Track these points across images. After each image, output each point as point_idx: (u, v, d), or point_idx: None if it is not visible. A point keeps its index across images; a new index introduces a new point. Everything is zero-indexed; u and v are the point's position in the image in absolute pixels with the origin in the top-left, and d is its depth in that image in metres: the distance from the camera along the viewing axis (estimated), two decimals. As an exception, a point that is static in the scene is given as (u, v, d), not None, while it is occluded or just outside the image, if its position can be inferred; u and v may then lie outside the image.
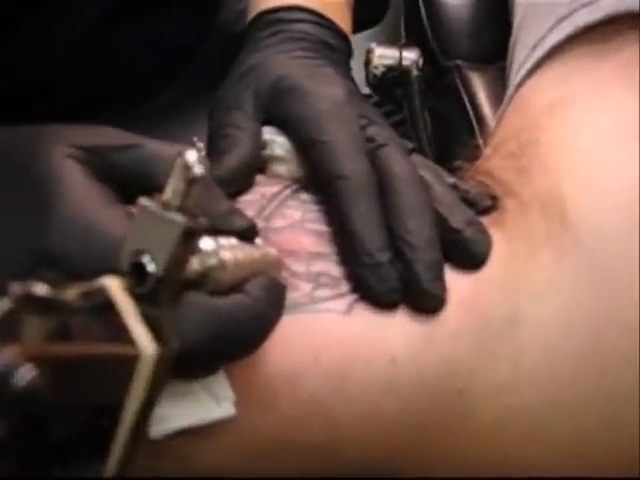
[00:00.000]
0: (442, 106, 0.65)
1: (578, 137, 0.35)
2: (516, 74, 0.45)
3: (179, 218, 0.23)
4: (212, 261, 0.26)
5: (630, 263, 0.31)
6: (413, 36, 0.72)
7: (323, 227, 0.34)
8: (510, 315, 0.32)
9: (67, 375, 0.19)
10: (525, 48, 0.45)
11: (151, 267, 0.23)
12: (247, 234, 0.30)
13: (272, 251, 0.31)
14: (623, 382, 0.31)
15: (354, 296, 0.32)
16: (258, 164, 0.37)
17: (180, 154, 0.23)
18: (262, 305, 0.28)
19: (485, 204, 0.36)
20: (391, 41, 0.73)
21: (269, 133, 0.38)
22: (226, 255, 0.27)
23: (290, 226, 0.34)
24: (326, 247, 0.34)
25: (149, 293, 0.23)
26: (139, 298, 0.23)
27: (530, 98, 0.41)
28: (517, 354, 0.31)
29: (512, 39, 0.49)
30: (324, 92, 0.38)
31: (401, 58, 0.68)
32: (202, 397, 0.28)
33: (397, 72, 0.69)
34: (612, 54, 0.37)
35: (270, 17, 0.45)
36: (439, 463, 0.33)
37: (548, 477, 0.34)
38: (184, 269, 0.24)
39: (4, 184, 0.29)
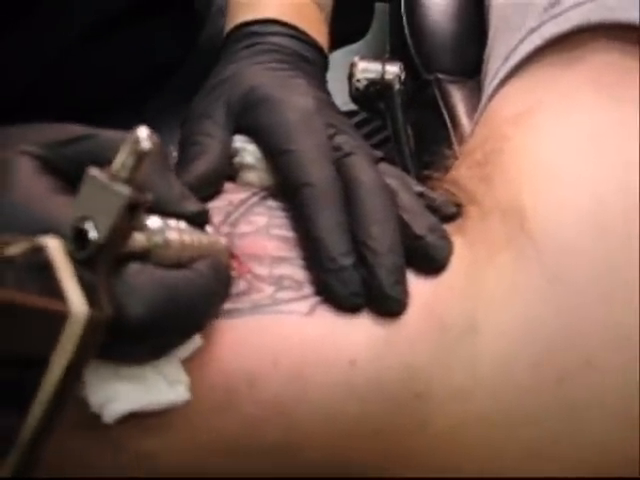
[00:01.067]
0: (423, 119, 0.66)
1: (539, 146, 0.36)
2: (489, 85, 0.46)
3: (125, 190, 0.24)
4: (157, 238, 0.27)
5: (588, 273, 0.32)
6: (397, 50, 0.73)
7: (288, 233, 0.35)
8: (468, 322, 0.32)
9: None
10: (497, 59, 0.46)
11: (93, 234, 0.24)
12: (197, 219, 0.31)
13: (221, 240, 0.32)
14: (580, 390, 0.32)
15: (316, 299, 0.33)
16: (226, 171, 0.38)
17: (132, 130, 0.24)
18: (208, 280, 0.29)
19: (449, 212, 0.36)
20: (376, 55, 0.75)
21: (240, 141, 0.39)
22: (172, 235, 0.28)
23: (255, 231, 0.35)
24: (290, 252, 0.34)
25: (88, 259, 0.24)
26: (79, 263, 0.23)
27: (498, 108, 0.42)
28: (474, 360, 0.32)
29: (486, 51, 0.50)
30: (294, 102, 0.38)
31: (384, 72, 0.69)
32: (155, 380, 0.28)
33: (380, 86, 0.70)
34: (578, 63, 0.38)
35: (246, 30, 0.46)
36: (398, 466, 0.33)
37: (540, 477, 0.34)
38: (126, 240, 0.25)
39: None
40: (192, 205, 0.31)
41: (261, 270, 0.33)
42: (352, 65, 0.70)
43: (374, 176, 0.35)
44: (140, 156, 0.24)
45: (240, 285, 0.33)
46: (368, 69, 0.70)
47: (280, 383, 0.31)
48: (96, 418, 0.30)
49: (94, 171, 0.24)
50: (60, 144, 0.29)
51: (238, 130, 0.39)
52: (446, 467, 0.33)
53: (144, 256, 0.27)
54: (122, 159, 0.24)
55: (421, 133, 0.67)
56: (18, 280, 0.22)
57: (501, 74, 0.44)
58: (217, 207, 0.35)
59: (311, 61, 0.46)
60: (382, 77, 0.70)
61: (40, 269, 0.23)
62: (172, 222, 0.28)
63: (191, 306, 0.28)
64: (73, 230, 0.24)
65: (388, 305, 0.32)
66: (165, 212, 0.28)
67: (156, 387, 0.28)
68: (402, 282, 0.32)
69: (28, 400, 0.23)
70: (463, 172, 0.39)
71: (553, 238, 0.32)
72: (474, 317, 0.32)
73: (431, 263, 0.33)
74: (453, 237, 0.34)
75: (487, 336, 0.32)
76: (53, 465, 0.32)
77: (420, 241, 0.34)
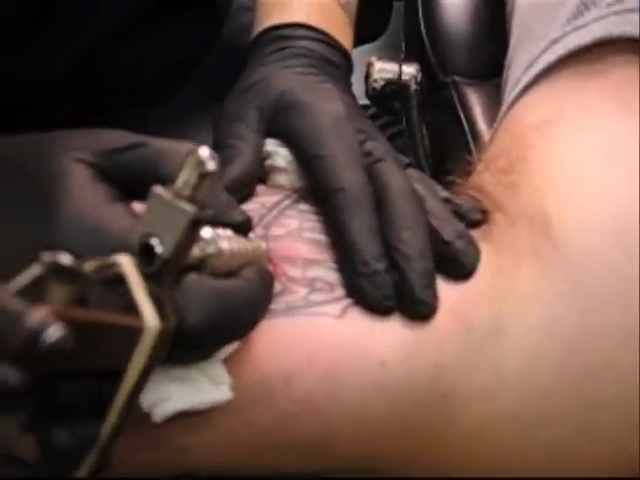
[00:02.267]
0: (439, 120, 0.68)
1: (564, 155, 0.37)
2: (510, 93, 0.47)
3: (189, 207, 0.25)
4: (210, 249, 0.28)
5: (611, 277, 0.33)
6: (413, 51, 0.74)
7: (320, 236, 0.36)
8: (494, 324, 0.34)
9: (83, 338, 0.21)
10: (519, 68, 0.47)
11: (159, 249, 0.25)
12: (242, 227, 0.33)
13: (263, 244, 0.33)
14: (602, 389, 0.33)
15: (348, 301, 0.34)
16: (259, 174, 0.39)
17: (193, 150, 0.25)
18: (257, 287, 0.30)
19: (475, 218, 0.38)
20: (392, 55, 0.76)
21: (272, 145, 0.40)
22: (223, 244, 0.29)
23: (288, 234, 0.36)
24: (322, 254, 0.36)
25: (155, 273, 0.25)
26: (146, 276, 0.25)
27: (521, 116, 0.43)
28: (500, 361, 0.33)
29: (508, 58, 0.51)
30: (324, 107, 0.39)
31: (400, 72, 0.71)
32: (200, 381, 0.30)
33: (396, 86, 0.71)
34: (601, 75, 0.40)
35: (274, 34, 0.47)
36: (424, 464, 0.35)
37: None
38: (187, 255, 0.27)
39: (14, 189, 0.31)
40: (238, 214, 0.32)
41: (294, 272, 0.35)
42: (369, 65, 0.71)
43: (404, 182, 0.37)
44: (202, 176, 0.25)
45: (275, 287, 0.34)
46: (385, 69, 0.71)
47: (314, 382, 0.33)
48: (139, 416, 0.31)
49: (159, 189, 0.25)
50: (113, 152, 0.30)
51: (270, 133, 0.40)
52: (471, 465, 0.35)
53: (199, 266, 0.28)
54: (185, 177, 0.25)
55: (436, 134, 0.68)
56: (98, 297, 0.23)
57: (522, 83, 0.45)
58: (250, 209, 0.37)
59: (338, 65, 0.47)
60: (399, 77, 0.71)
61: (113, 284, 0.24)
62: (221, 231, 0.30)
63: (242, 313, 0.29)
64: (140, 246, 0.25)
65: (419, 308, 0.33)
66: (214, 221, 0.29)
67: (202, 388, 0.30)
68: (432, 286, 0.34)
69: (105, 407, 0.24)
70: (487, 179, 0.40)
71: (576, 243, 0.34)
72: (499, 319, 0.34)
73: (460, 269, 0.35)
74: (480, 243, 0.36)
75: (512, 338, 0.33)
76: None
77: (449, 247, 0.35)
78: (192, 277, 0.28)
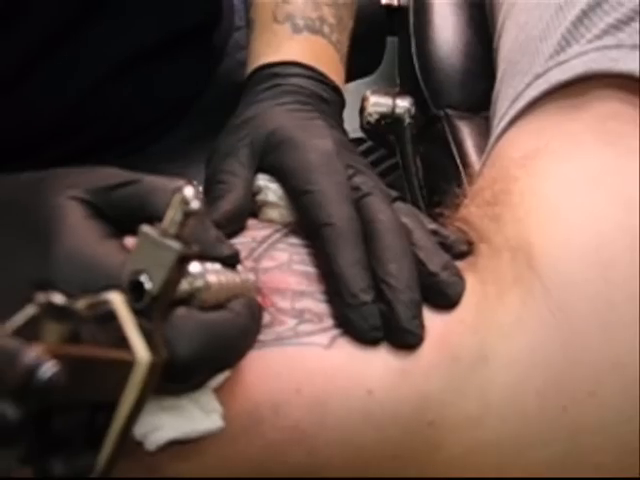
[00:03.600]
0: (433, 153, 0.69)
1: (546, 188, 0.38)
2: (496, 127, 0.49)
3: (175, 245, 0.26)
4: (199, 283, 0.29)
5: (593, 307, 0.34)
6: (406, 84, 0.76)
7: (309, 268, 0.37)
8: (479, 353, 0.35)
9: (77, 374, 0.22)
10: (505, 102, 0.49)
11: (148, 285, 0.26)
12: (230, 261, 0.34)
13: (251, 277, 0.34)
14: (585, 417, 0.34)
15: (336, 331, 0.35)
16: (250, 209, 0.40)
17: (179, 188, 0.26)
18: (245, 319, 0.31)
19: (461, 249, 0.39)
20: (386, 87, 0.77)
21: (263, 180, 0.41)
22: (211, 278, 0.30)
23: (278, 267, 0.37)
24: (311, 286, 0.37)
25: (145, 308, 0.26)
26: (136, 312, 0.26)
27: (506, 150, 0.44)
28: (485, 390, 0.34)
29: (494, 92, 0.52)
30: (314, 144, 0.41)
31: (394, 106, 0.72)
32: (192, 410, 0.31)
33: (390, 119, 0.73)
34: (582, 110, 0.41)
35: (267, 72, 0.48)
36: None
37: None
38: (175, 291, 0.28)
39: (10, 225, 0.32)
40: (226, 249, 0.34)
41: (283, 304, 0.36)
42: (364, 99, 0.73)
43: (391, 216, 0.38)
44: (188, 214, 0.26)
45: (264, 318, 0.35)
46: (379, 103, 0.73)
47: (302, 411, 0.33)
48: (131, 446, 0.32)
49: (146, 228, 0.27)
50: (106, 189, 0.32)
51: (261, 169, 0.42)
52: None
53: (188, 300, 0.29)
54: (171, 216, 0.27)
55: (430, 166, 0.70)
56: (91, 334, 0.24)
57: (508, 117, 0.46)
58: (241, 243, 0.38)
59: (329, 101, 0.48)
60: (393, 111, 0.73)
61: (105, 320, 0.25)
62: (209, 265, 0.31)
63: (231, 344, 0.31)
64: (130, 283, 0.26)
65: (406, 338, 0.34)
66: (202, 256, 0.31)
67: (194, 417, 0.31)
68: (419, 317, 0.35)
69: (100, 438, 0.25)
70: (473, 211, 0.41)
71: (558, 274, 0.35)
72: (484, 349, 0.35)
73: (445, 299, 0.36)
74: (465, 274, 0.37)
75: (496, 366, 0.34)
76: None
77: (434, 278, 0.36)
78: (181, 311, 0.29)
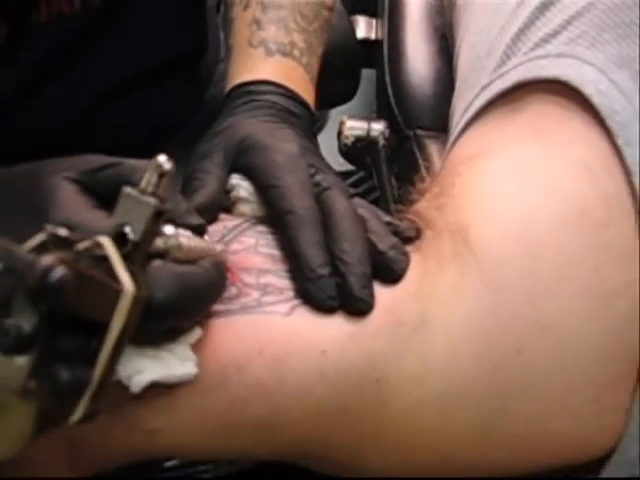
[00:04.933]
0: (405, 171, 0.74)
1: (482, 180, 0.43)
2: (452, 135, 0.54)
3: (152, 200, 0.32)
4: (172, 241, 0.35)
5: (520, 278, 0.39)
6: (382, 111, 0.82)
7: (273, 251, 0.43)
8: (420, 319, 0.39)
9: (79, 287, 0.27)
10: (458, 114, 0.54)
11: (131, 235, 0.32)
12: (198, 229, 0.39)
13: (218, 246, 0.39)
14: (514, 374, 0.39)
15: (296, 301, 0.40)
16: (222, 202, 0.46)
17: (153, 157, 0.32)
18: (212, 274, 0.37)
19: (410, 235, 0.44)
20: (365, 115, 0.84)
21: (236, 179, 0.47)
22: (183, 240, 0.35)
23: (245, 249, 0.42)
24: (275, 265, 0.42)
25: (128, 254, 0.31)
26: (122, 257, 0.31)
27: (455, 153, 0.50)
28: (426, 351, 0.39)
29: (451, 107, 0.58)
30: (280, 146, 0.46)
31: (369, 129, 0.78)
32: (169, 358, 0.36)
33: (366, 142, 0.78)
34: (518, 113, 0.46)
35: (244, 89, 0.54)
36: (364, 444, 0.40)
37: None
38: (153, 241, 0.33)
39: (10, 205, 0.38)
40: (195, 219, 0.39)
41: (249, 279, 0.41)
42: (341, 123, 0.79)
43: (347, 206, 0.43)
44: (162, 175, 0.32)
45: (232, 291, 0.40)
46: (355, 127, 0.79)
47: (264, 369, 0.38)
48: (114, 403, 0.37)
49: (127, 188, 0.32)
50: (94, 171, 0.37)
51: (234, 169, 0.47)
52: (405, 445, 0.40)
53: (162, 255, 0.34)
54: (148, 178, 0.32)
55: (403, 183, 0.75)
56: (89, 266, 0.29)
57: (460, 126, 0.52)
58: (214, 230, 0.43)
59: (298, 115, 0.54)
60: (368, 134, 0.78)
61: (98, 261, 0.30)
62: (181, 230, 0.36)
63: (200, 293, 0.36)
64: (116, 233, 0.31)
65: (357, 306, 0.39)
66: (175, 224, 0.36)
67: (172, 364, 0.36)
68: (369, 287, 0.40)
69: (94, 357, 0.30)
70: (423, 204, 0.46)
71: (490, 250, 0.40)
72: (425, 315, 0.39)
73: (392, 273, 0.41)
74: (411, 254, 0.42)
75: (435, 331, 0.39)
76: (75, 445, 0.39)
77: (383, 256, 0.41)
78: (157, 262, 0.34)
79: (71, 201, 0.35)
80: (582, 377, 0.39)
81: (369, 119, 0.78)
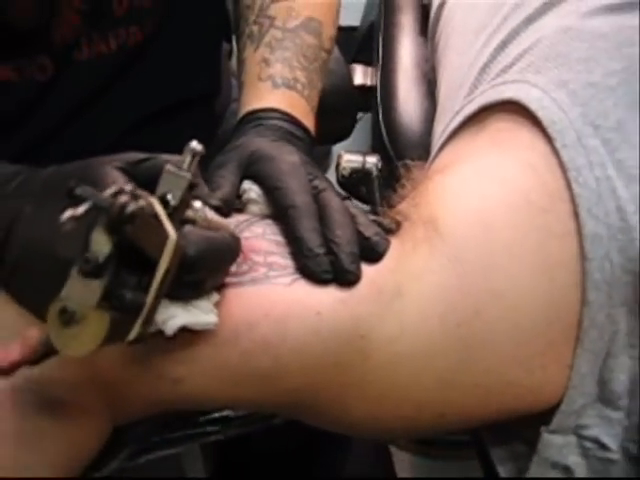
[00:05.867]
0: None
1: (449, 181, 0.53)
2: (432, 155, 0.64)
3: (187, 174, 0.42)
4: (200, 213, 0.44)
5: (478, 254, 0.49)
6: (377, 147, 0.92)
7: (278, 238, 0.52)
8: (397, 289, 0.49)
9: (143, 222, 0.37)
10: (437, 136, 0.65)
11: (172, 201, 0.41)
12: (217, 209, 0.49)
13: (232, 224, 0.49)
14: (473, 332, 0.48)
15: (296, 276, 0.49)
16: (234, 203, 0.55)
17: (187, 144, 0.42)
18: (229, 240, 0.46)
19: (391, 227, 0.53)
20: (363, 150, 0.94)
21: (247, 184, 0.57)
22: (208, 213, 0.45)
23: (254, 236, 0.52)
24: (279, 249, 0.51)
25: (169, 215, 0.41)
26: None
27: (432, 166, 0.60)
28: (401, 314, 0.48)
29: (433, 132, 0.69)
30: (284, 158, 0.56)
31: (364, 162, 0.88)
32: (196, 310, 0.45)
33: (361, 173, 0.88)
34: (483, 130, 0.57)
35: (254, 115, 0.64)
36: (349, 394, 0.49)
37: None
38: (187, 207, 0.42)
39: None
40: (215, 200, 0.49)
41: (258, 259, 0.50)
42: (339, 157, 0.89)
43: (339, 202, 0.53)
44: (194, 155, 0.42)
45: (243, 268, 0.49)
46: (351, 160, 0.89)
47: (269, 328, 0.47)
48: (145, 356, 0.46)
49: (168, 165, 0.42)
50: (137, 162, 0.47)
51: (246, 177, 0.57)
52: (384, 394, 0.48)
53: (192, 223, 0.44)
54: (184, 158, 0.42)
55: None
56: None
57: (438, 146, 0.62)
58: (228, 222, 0.53)
59: (300, 138, 0.64)
60: (363, 166, 0.89)
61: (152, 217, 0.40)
62: (207, 209, 0.46)
63: (221, 252, 0.45)
64: (159, 198, 0.41)
65: (347, 277, 0.49)
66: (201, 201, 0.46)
67: (197, 313, 0.45)
68: (357, 263, 0.49)
69: (148, 286, 0.39)
70: (404, 205, 0.56)
71: (454, 233, 0.50)
72: (401, 286, 0.49)
73: (375, 254, 0.50)
74: (392, 240, 0.51)
75: (410, 298, 0.48)
76: (113, 393, 0.48)
77: (368, 241, 0.51)
78: (188, 227, 0.44)
79: (120, 181, 0.45)
80: (530, 334, 0.48)
81: (364, 153, 0.88)
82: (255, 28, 0.72)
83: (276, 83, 0.67)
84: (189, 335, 0.46)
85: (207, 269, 0.45)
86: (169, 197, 0.41)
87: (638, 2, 0.53)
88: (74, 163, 0.49)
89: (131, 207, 0.36)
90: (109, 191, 0.37)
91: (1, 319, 0.47)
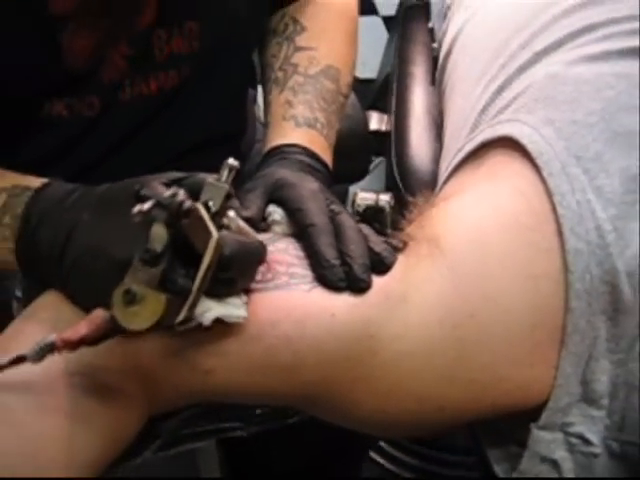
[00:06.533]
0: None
1: (450, 208, 0.62)
2: (438, 187, 0.73)
3: (225, 185, 0.51)
4: (234, 222, 0.52)
5: (473, 266, 0.57)
6: (390, 186, 1.01)
7: (299, 252, 0.60)
8: (403, 295, 0.57)
9: (194, 218, 0.46)
10: (442, 171, 0.74)
11: (213, 207, 0.50)
12: (247, 220, 0.57)
13: (258, 236, 0.57)
14: (468, 332, 0.56)
15: (315, 284, 0.57)
16: (260, 223, 0.63)
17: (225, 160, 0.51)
18: (257, 246, 0.54)
19: (398, 246, 0.62)
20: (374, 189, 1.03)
21: (272, 207, 0.65)
22: (240, 222, 0.53)
23: (278, 251, 0.60)
24: (300, 261, 0.59)
25: (211, 218, 0.49)
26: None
27: (437, 196, 0.68)
28: (406, 317, 0.56)
29: (439, 167, 0.77)
30: (305, 185, 0.65)
31: (377, 200, 0.97)
32: (228, 305, 0.53)
33: (374, 210, 0.97)
34: (481, 164, 0.65)
35: (278, 150, 0.73)
36: (358, 388, 0.56)
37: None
38: (224, 214, 0.51)
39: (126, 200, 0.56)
40: (246, 212, 0.57)
41: (281, 269, 0.58)
42: (354, 194, 0.98)
43: (353, 223, 0.61)
44: (231, 169, 0.51)
45: (268, 276, 0.57)
46: (365, 197, 0.97)
47: (290, 326, 0.55)
48: (178, 348, 0.54)
49: (209, 178, 0.51)
50: (179, 180, 0.55)
51: (271, 201, 0.65)
52: (389, 387, 0.56)
53: (227, 228, 0.53)
54: (222, 172, 0.51)
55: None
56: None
57: (442, 180, 0.71)
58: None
59: (319, 170, 0.73)
60: (376, 203, 0.97)
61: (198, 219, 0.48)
62: (238, 218, 0.54)
63: (251, 254, 0.53)
64: (203, 204, 0.50)
65: (360, 285, 0.57)
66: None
67: (230, 307, 0.53)
68: (368, 272, 0.57)
69: (194, 275, 0.48)
70: (411, 228, 0.64)
71: (453, 249, 0.58)
72: (406, 293, 0.57)
73: (383, 266, 0.58)
74: (399, 255, 0.59)
75: (413, 304, 0.56)
76: (151, 382, 0.56)
77: (378, 255, 0.59)
78: (224, 232, 0.52)
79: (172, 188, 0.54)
80: (519, 335, 0.56)
81: (377, 192, 0.97)
82: (280, 74, 0.82)
83: (298, 122, 0.76)
84: (220, 331, 0.54)
85: (238, 268, 0.53)
86: (210, 204, 0.50)
87: (615, 52, 0.62)
88: (125, 181, 0.57)
89: (187, 204, 0.45)
90: (168, 192, 0.46)
91: (59, 315, 0.55)
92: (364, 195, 0.99)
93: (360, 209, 0.98)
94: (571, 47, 0.65)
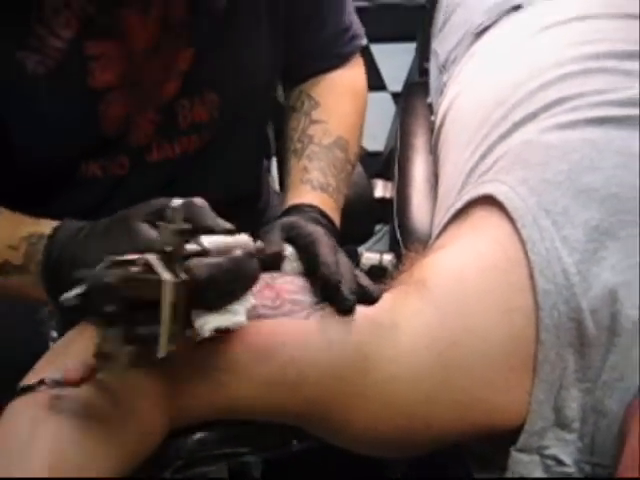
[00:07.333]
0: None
1: (436, 257, 0.72)
2: (431, 242, 0.83)
3: (174, 225, 0.58)
4: (203, 246, 0.59)
5: (455, 301, 0.67)
6: (393, 247, 1.11)
7: (302, 283, 0.70)
8: (392, 323, 0.66)
9: (127, 285, 0.54)
10: (435, 227, 0.84)
11: (167, 249, 0.58)
12: (230, 231, 0.63)
13: (245, 236, 0.65)
14: (451, 357, 0.64)
15: (312, 311, 0.67)
16: (281, 258, 0.73)
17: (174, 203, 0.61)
18: (239, 259, 0.61)
19: (386, 288, 0.71)
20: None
21: (284, 245, 0.75)
22: (208, 245, 0.60)
23: (285, 282, 0.70)
24: (301, 289, 0.69)
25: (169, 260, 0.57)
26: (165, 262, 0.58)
27: (428, 249, 0.78)
28: (395, 343, 0.65)
29: (433, 223, 0.88)
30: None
31: (381, 259, 1.07)
32: (227, 313, 0.61)
33: (378, 269, 1.07)
34: (466, 220, 0.75)
35: (294, 209, 0.84)
36: (353, 404, 0.65)
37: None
38: (182, 249, 0.58)
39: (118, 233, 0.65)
40: (224, 224, 0.63)
41: (286, 296, 0.68)
42: (359, 255, 1.08)
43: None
44: (174, 210, 0.60)
45: (277, 302, 0.67)
46: (370, 257, 1.08)
47: (290, 352, 0.64)
48: (195, 363, 0.63)
49: (163, 224, 0.59)
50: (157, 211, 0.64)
51: (286, 241, 0.75)
52: (381, 405, 0.64)
53: (206, 254, 0.59)
54: (172, 215, 0.59)
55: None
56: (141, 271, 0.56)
57: (435, 235, 0.81)
58: (266, 275, 0.71)
59: (327, 227, 0.83)
60: (380, 263, 1.07)
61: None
62: (215, 237, 0.61)
63: (226, 270, 0.59)
64: (159, 252, 0.57)
65: (346, 304, 0.65)
66: (214, 232, 0.61)
67: (228, 316, 0.61)
68: (354, 294, 0.66)
69: (157, 320, 0.55)
70: (403, 276, 0.74)
71: (438, 287, 0.67)
72: (396, 321, 0.66)
73: (370, 297, 0.68)
74: (387, 293, 0.69)
75: (402, 332, 0.66)
76: (171, 397, 0.64)
77: (364, 288, 0.68)
78: (194, 260, 0.58)
79: (144, 232, 0.62)
80: (496, 362, 0.65)
81: (381, 252, 1.07)
82: (299, 145, 0.94)
83: (313, 186, 0.87)
84: (234, 349, 0.64)
85: (221, 285, 0.60)
86: (166, 248, 0.57)
87: (582, 121, 0.74)
88: (116, 215, 0.67)
89: (109, 279, 0.54)
90: (102, 265, 0.56)
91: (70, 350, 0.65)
92: (369, 255, 1.10)
93: (365, 268, 1.09)
94: (545, 117, 0.76)
